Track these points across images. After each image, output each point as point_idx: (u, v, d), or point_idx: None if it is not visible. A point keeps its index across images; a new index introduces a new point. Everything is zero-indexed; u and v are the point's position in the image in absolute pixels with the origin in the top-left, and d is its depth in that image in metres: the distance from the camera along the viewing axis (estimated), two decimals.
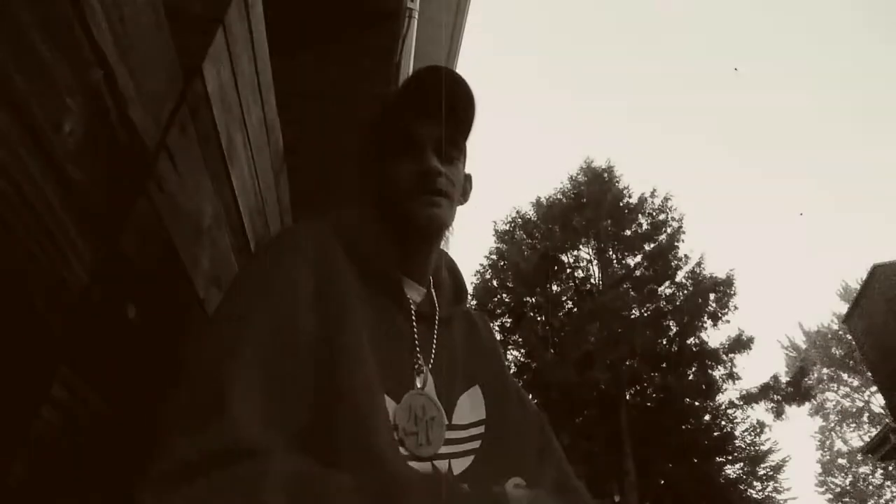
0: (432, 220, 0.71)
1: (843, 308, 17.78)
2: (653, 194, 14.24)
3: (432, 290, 0.78)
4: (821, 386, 23.93)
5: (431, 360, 0.71)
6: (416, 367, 0.68)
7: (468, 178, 0.83)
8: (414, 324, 0.71)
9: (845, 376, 24.45)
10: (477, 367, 0.77)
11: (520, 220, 14.67)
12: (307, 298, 0.60)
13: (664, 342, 12.42)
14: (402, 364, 0.67)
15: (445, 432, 0.66)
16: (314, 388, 0.55)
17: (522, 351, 12.88)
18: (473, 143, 0.80)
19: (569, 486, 0.75)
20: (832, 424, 25.20)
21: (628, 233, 13.86)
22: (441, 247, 0.81)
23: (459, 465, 0.66)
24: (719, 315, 12.62)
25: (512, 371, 10.90)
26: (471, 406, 0.73)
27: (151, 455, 0.46)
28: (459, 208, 0.79)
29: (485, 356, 0.80)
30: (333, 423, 0.54)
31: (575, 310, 13.12)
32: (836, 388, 24.91)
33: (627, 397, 11.88)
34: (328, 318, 0.60)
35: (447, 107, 0.72)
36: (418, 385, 0.67)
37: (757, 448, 12.49)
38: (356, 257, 0.68)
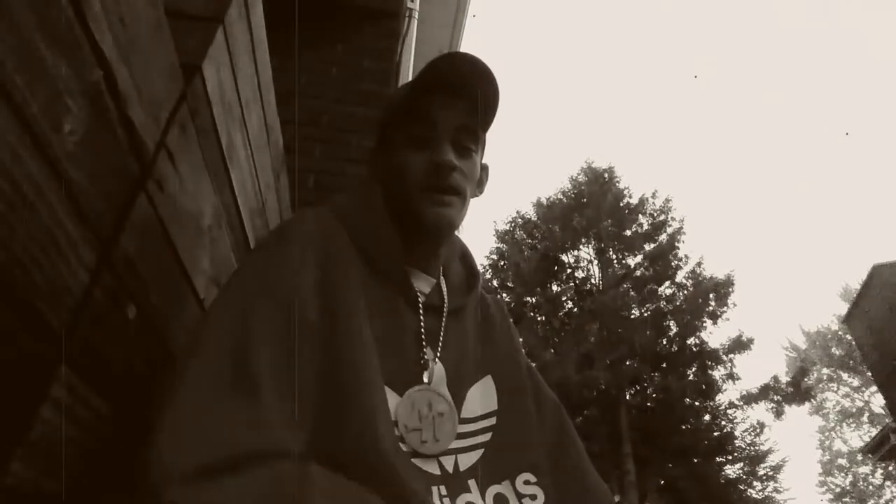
0: (440, 220, 0.68)
1: (843, 308, 17.76)
2: (654, 195, 14.24)
3: (442, 280, 0.75)
4: (821, 386, 23.92)
5: (439, 353, 0.68)
6: (423, 361, 0.66)
7: (485, 168, 0.79)
8: (421, 316, 0.69)
9: (845, 376, 24.45)
10: (490, 357, 0.74)
11: (520, 220, 14.66)
12: (310, 287, 0.59)
13: (664, 342, 12.41)
14: (408, 358, 0.65)
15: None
16: (314, 378, 0.54)
17: (522, 351, 12.85)
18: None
19: (586, 484, 0.72)
20: (832, 424, 25.20)
21: (629, 233, 13.85)
22: (452, 238, 0.78)
23: (466, 461, 0.63)
24: (719, 315, 12.61)
25: None
26: (482, 397, 0.70)
27: (161, 437, 0.44)
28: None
29: (499, 344, 0.77)
30: (333, 417, 0.53)
31: (575, 310, 13.12)
32: (836, 388, 24.92)
33: (627, 397, 11.87)
34: (330, 307, 0.58)
35: (469, 97, 0.69)
36: (425, 380, 0.65)
37: (757, 448, 12.48)
38: (362, 246, 0.67)
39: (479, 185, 0.78)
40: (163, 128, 0.62)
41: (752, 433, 12.54)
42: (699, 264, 13.30)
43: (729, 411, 12.52)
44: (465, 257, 0.84)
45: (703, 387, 11.93)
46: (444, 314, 0.72)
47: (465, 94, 0.69)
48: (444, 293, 0.74)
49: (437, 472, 0.60)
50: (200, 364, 0.51)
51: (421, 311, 0.69)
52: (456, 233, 0.77)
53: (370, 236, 0.68)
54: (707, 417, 12.33)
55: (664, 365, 12.13)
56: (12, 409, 0.44)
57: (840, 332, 22.96)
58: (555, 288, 13.70)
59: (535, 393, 0.77)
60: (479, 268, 0.86)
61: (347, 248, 0.65)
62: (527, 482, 0.64)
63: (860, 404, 24.27)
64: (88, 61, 0.47)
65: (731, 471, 12.33)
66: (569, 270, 13.79)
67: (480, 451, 0.65)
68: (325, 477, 0.47)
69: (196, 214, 0.75)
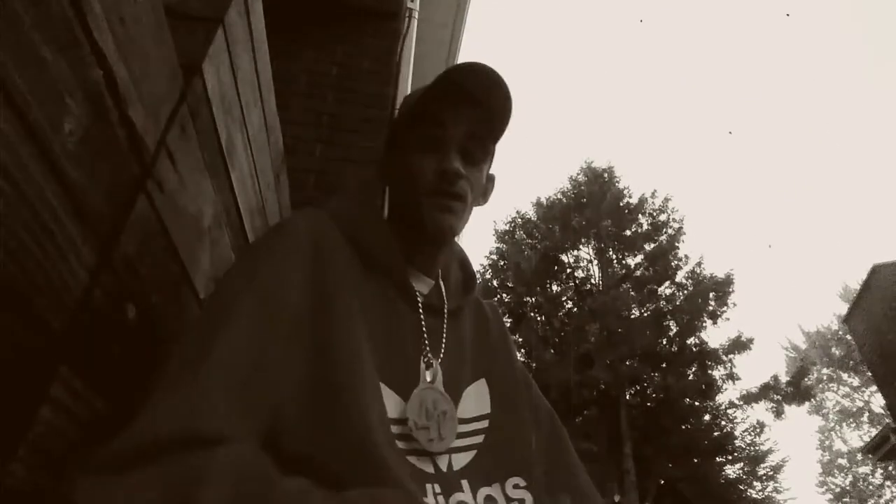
0: (442, 225, 0.68)
1: (843, 308, 17.77)
2: (653, 195, 14.26)
3: (440, 282, 0.76)
4: (821, 386, 23.93)
5: (442, 354, 0.69)
6: (426, 360, 0.66)
7: (491, 178, 0.79)
8: (422, 316, 0.69)
9: (845, 376, 24.46)
10: (484, 360, 0.75)
11: (520, 220, 14.67)
12: (299, 286, 0.58)
13: (664, 342, 12.42)
14: (409, 357, 0.65)
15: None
16: (304, 376, 0.54)
17: (522, 351, 12.86)
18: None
19: (579, 490, 0.72)
20: (832, 424, 25.21)
21: (628, 233, 13.87)
22: (453, 243, 0.78)
23: (460, 461, 0.64)
24: (719, 315, 12.62)
25: None
26: (476, 399, 0.70)
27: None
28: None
29: (493, 348, 0.78)
30: (326, 413, 0.53)
31: (575, 310, 13.12)
32: (836, 388, 24.93)
33: (627, 397, 11.87)
34: (321, 306, 0.58)
35: (481, 106, 0.69)
36: (428, 379, 0.65)
37: (757, 448, 12.50)
38: (358, 246, 0.67)
39: (484, 195, 0.78)
40: (163, 128, 0.62)
41: (752, 433, 12.56)
42: (699, 264, 13.32)
43: (729, 411, 12.54)
44: (463, 262, 0.85)
45: (703, 387, 11.94)
46: (445, 315, 0.72)
47: (478, 103, 0.69)
48: (444, 294, 0.75)
49: (432, 470, 0.61)
50: (171, 360, 0.51)
51: (421, 311, 0.69)
52: (455, 239, 0.78)
53: (369, 235, 0.69)
54: (707, 417, 12.34)
55: (664, 365, 12.14)
56: (12, 409, 0.43)
57: (840, 332, 22.97)
58: (555, 288, 13.72)
59: (530, 399, 0.78)
60: (479, 270, 0.86)
61: (342, 247, 0.65)
62: (516, 486, 0.65)
63: (860, 404, 24.30)
64: (88, 61, 0.47)
65: (731, 471, 12.34)
66: (569, 270, 13.80)
67: (473, 453, 0.65)
68: (232, 463, 0.43)
69: (196, 214, 0.75)
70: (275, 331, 0.54)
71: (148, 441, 0.43)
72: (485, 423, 0.69)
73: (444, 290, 0.75)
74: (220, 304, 0.55)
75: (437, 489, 0.59)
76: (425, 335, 0.68)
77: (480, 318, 0.81)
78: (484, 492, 0.62)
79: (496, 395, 0.72)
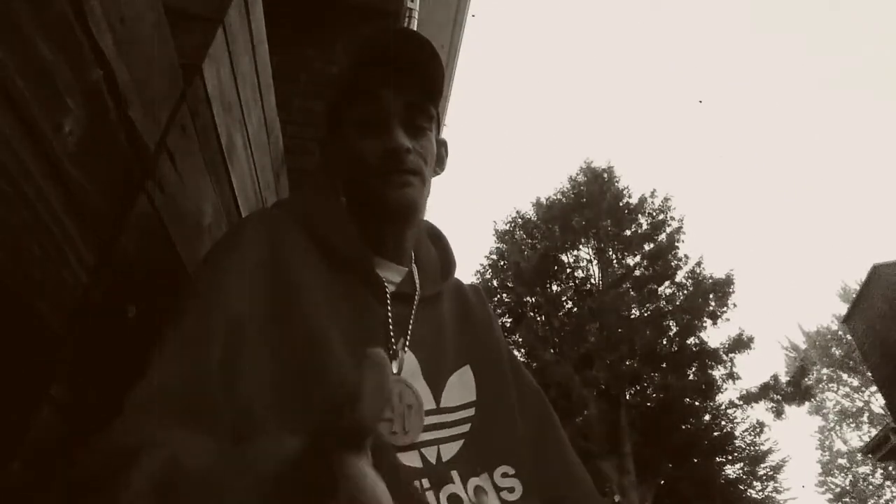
0: (402, 201, 0.66)
1: (843, 309, 17.78)
2: (653, 194, 14.24)
3: (413, 268, 0.73)
4: (821, 386, 23.93)
5: (408, 343, 0.66)
6: (391, 351, 0.64)
7: (442, 144, 0.76)
8: (389, 305, 0.66)
9: (845, 376, 24.45)
10: (468, 345, 0.73)
11: (520, 220, 14.66)
12: (255, 285, 0.57)
13: (664, 342, 12.41)
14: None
15: (434, 416, 0.63)
16: (271, 374, 0.53)
17: (522, 351, 12.86)
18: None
19: (569, 473, 0.71)
20: (832, 424, 25.19)
21: (628, 233, 13.85)
22: (419, 221, 0.74)
23: (448, 451, 0.62)
24: (719, 315, 12.61)
25: None
26: (460, 387, 0.68)
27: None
28: (439, 179, 0.73)
29: (477, 333, 0.75)
30: (296, 409, 0.52)
31: (575, 310, 13.11)
32: (836, 388, 24.91)
33: (627, 397, 11.87)
34: (283, 311, 0.57)
35: (414, 73, 0.66)
36: (394, 370, 0.62)
37: (757, 448, 12.48)
38: (319, 241, 0.65)
39: (440, 163, 0.76)
40: (163, 128, 0.62)
41: (752, 433, 12.54)
42: (699, 264, 13.30)
43: (729, 411, 12.52)
44: (440, 243, 0.81)
45: (703, 387, 11.93)
46: (415, 302, 0.70)
47: (408, 70, 0.67)
48: (416, 281, 0.72)
49: (420, 464, 0.59)
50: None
51: (389, 301, 0.66)
52: (422, 218, 0.75)
53: (328, 229, 0.67)
54: (707, 417, 12.33)
55: (664, 365, 12.13)
56: (12, 409, 0.43)
57: (840, 332, 22.97)
58: (555, 288, 13.70)
59: (517, 382, 0.75)
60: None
61: (300, 244, 0.63)
62: (505, 475, 0.63)
63: (860, 404, 24.29)
64: (88, 61, 0.47)
65: (731, 471, 12.33)
66: (569, 270, 13.79)
67: (461, 442, 0.64)
68: (168, 470, 0.40)
69: (196, 214, 0.75)
70: (233, 334, 0.53)
71: (93, 458, 0.42)
72: (471, 412, 0.67)
73: (416, 276, 0.73)
74: (175, 316, 0.54)
75: (427, 484, 0.57)
76: (391, 325, 0.65)
77: (462, 303, 0.78)
78: (473, 482, 0.61)
79: (482, 382, 0.70)
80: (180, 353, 0.50)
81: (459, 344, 0.72)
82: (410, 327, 0.67)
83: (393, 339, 0.65)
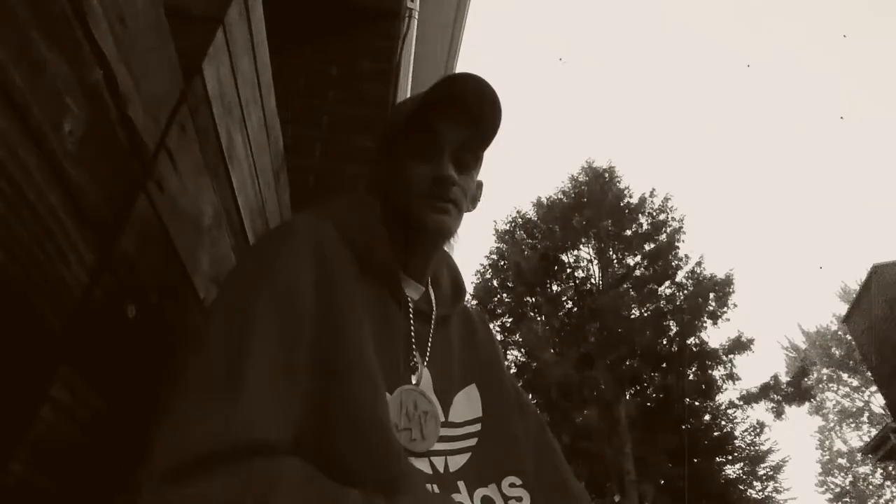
0: (440, 226, 0.70)
1: (843, 309, 17.77)
2: (653, 194, 14.25)
3: (430, 289, 0.78)
4: (821, 386, 23.93)
5: (427, 357, 0.70)
6: (412, 363, 0.68)
7: (479, 185, 0.82)
8: (412, 320, 0.71)
9: (845, 376, 24.45)
10: (474, 366, 0.77)
11: (520, 219, 14.66)
12: (308, 289, 0.60)
13: (664, 342, 12.41)
14: (397, 359, 0.67)
15: (441, 429, 0.66)
16: (317, 379, 0.55)
17: (522, 351, 12.87)
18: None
19: (568, 492, 0.74)
20: (832, 424, 25.19)
21: (628, 233, 13.85)
22: (444, 249, 0.80)
23: (455, 463, 0.66)
24: (719, 315, 12.62)
25: (512, 371, 10.91)
26: (467, 404, 0.72)
27: (155, 439, 0.46)
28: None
29: (482, 355, 0.80)
30: (337, 418, 0.54)
31: (575, 310, 13.12)
32: (836, 388, 24.92)
33: (627, 397, 11.87)
34: (327, 310, 0.59)
35: (473, 116, 0.72)
36: (413, 381, 0.67)
37: (757, 448, 12.48)
38: (356, 250, 0.68)
39: (474, 201, 0.81)
40: (163, 128, 0.62)
41: (752, 433, 12.55)
42: (699, 264, 13.31)
43: (729, 411, 12.53)
44: (452, 270, 0.87)
45: (703, 387, 11.93)
46: (433, 321, 0.74)
47: (471, 113, 0.72)
48: (433, 300, 0.76)
49: (430, 471, 0.62)
50: (198, 365, 0.52)
51: (411, 316, 0.71)
52: (448, 249, 0.80)
53: (366, 239, 0.70)
54: (707, 417, 12.34)
55: (664, 365, 12.13)
56: (12, 409, 0.44)
57: (840, 332, 22.96)
58: (555, 288, 13.70)
59: (518, 403, 0.80)
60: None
61: (341, 250, 0.66)
62: (512, 485, 0.67)
63: (860, 404, 24.28)
64: (88, 61, 0.47)
65: (731, 471, 12.33)
66: (569, 270, 13.79)
67: (468, 455, 0.67)
68: (298, 471, 0.48)
69: (196, 214, 0.75)
70: (299, 337, 0.56)
71: (206, 452, 0.45)
72: (477, 427, 0.71)
73: (433, 296, 0.77)
74: (237, 311, 0.56)
75: (436, 489, 0.60)
76: (413, 339, 0.70)
77: (468, 326, 0.83)
78: (481, 492, 0.64)
79: (487, 400, 0.74)
80: (272, 351, 0.53)
81: (466, 363, 0.77)
82: (430, 344, 0.72)
83: (414, 353, 0.69)
